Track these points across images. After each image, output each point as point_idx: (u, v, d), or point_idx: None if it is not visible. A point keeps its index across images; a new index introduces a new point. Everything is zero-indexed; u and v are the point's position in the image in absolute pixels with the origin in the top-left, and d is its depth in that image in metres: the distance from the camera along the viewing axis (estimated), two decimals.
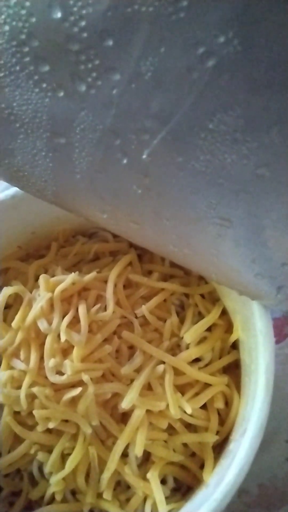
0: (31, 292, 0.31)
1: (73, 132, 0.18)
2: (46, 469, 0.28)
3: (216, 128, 0.16)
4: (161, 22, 0.14)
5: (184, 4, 0.14)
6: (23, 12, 0.16)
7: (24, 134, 0.19)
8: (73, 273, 0.30)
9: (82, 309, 0.29)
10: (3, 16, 0.16)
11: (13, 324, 0.29)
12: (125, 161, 0.18)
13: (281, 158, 0.16)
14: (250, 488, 0.37)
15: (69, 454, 0.28)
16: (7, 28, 0.16)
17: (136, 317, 0.30)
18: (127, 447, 0.27)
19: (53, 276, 0.31)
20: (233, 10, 0.13)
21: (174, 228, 0.20)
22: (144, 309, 0.30)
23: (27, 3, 0.16)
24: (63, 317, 0.28)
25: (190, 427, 0.29)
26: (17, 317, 0.29)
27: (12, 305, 0.31)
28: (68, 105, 0.17)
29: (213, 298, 0.33)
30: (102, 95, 0.16)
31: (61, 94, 0.17)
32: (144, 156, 0.17)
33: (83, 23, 0.15)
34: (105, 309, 0.30)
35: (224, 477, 0.22)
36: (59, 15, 0.15)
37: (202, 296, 0.32)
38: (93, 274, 0.30)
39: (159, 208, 0.19)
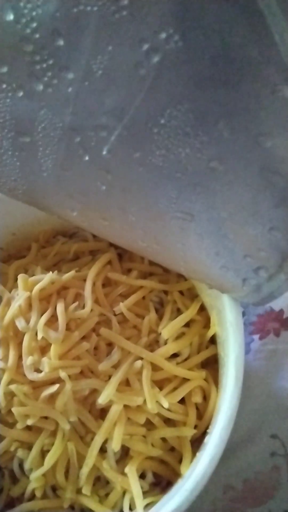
0: (10, 292, 0.31)
1: (36, 131, 0.19)
2: (26, 465, 0.28)
3: (168, 123, 0.16)
4: (106, 21, 0.15)
5: (125, 2, 0.14)
6: None
7: None
8: (51, 272, 0.30)
9: (60, 307, 0.29)
10: None
11: None
12: (86, 158, 0.19)
13: (231, 150, 0.16)
14: (235, 484, 0.37)
15: (48, 451, 0.28)
16: None
17: (115, 315, 0.31)
18: (105, 442, 0.27)
19: (33, 275, 0.31)
20: (171, 6, 0.14)
21: (140, 223, 0.21)
22: (122, 306, 0.30)
23: None
24: (42, 315, 0.29)
25: (169, 422, 0.29)
26: None
27: None
28: (28, 105, 0.18)
29: (192, 295, 0.33)
30: (58, 94, 0.17)
31: (21, 94, 0.18)
32: (104, 153, 0.18)
33: (34, 24, 0.16)
34: (83, 307, 0.30)
35: (195, 468, 0.22)
36: (11, 17, 0.16)
37: (181, 292, 0.33)
38: (71, 273, 0.31)
39: (123, 203, 0.20)
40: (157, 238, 0.21)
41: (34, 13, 0.15)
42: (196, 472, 0.22)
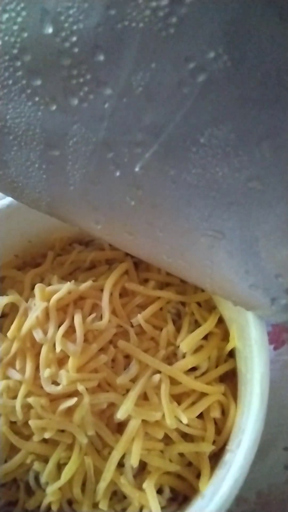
0: (27, 301, 0.31)
1: (67, 145, 0.18)
2: (42, 479, 0.28)
3: (208, 142, 0.16)
4: (151, 38, 0.14)
5: (173, 20, 0.14)
6: (15, 27, 0.16)
7: (18, 146, 0.19)
8: (68, 282, 0.30)
9: (77, 319, 0.29)
10: None
11: (9, 334, 0.29)
12: (118, 173, 0.18)
13: (272, 171, 0.16)
14: (248, 496, 0.37)
15: (65, 464, 0.27)
16: None
17: (132, 326, 0.30)
18: (123, 457, 0.27)
19: (49, 284, 0.31)
20: (222, 26, 0.13)
21: (167, 239, 0.20)
22: (140, 318, 0.30)
23: (19, 19, 0.16)
24: (59, 326, 0.28)
25: (187, 437, 0.29)
26: (13, 327, 0.29)
27: (8, 314, 0.31)
28: (61, 119, 0.17)
29: (210, 306, 0.33)
30: (94, 109, 0.17)
31: (54, 107, 0.17)
32: (136, 169, 0.17)
33: (74, 38, 0.15)
34: (100, 318, 0.30)
35: (219, 489, 0.22)
36: (50, 30, 0.15)
37: (199, 304, 0.32)
38: (89, 283, 0.30)
39: (152, 219, 0.19)
40: (184, 254, 0.21)
41: (74, 27, 0.15)
42: (220, 493, 0.21)
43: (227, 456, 0.25)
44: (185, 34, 0.14)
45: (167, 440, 0.28)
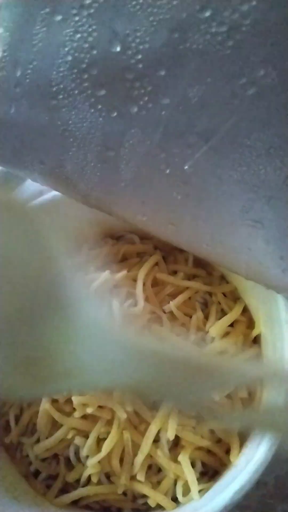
0: None
1: (123, 147, 0.21)
2: (83, 453, 0.30)
3: (253, 144, 0.18)
4: (208, 57, 0.17)
5: (230, 43, 0.16)
6: (86, 45, 0.18)
7: (76, 148, 0.22)
8: (106, 271, 0.32)
9: (115, 304, 0.31)
10: (66, 48, 0.19)
11: None
12: (167, 171, 0.21)
13: None
14: (267, 480, 0.39)
15: (103, 439, 0.30)
16: (69, 58, 0.19)
17: (164, 313, 0.33)
18: (158, 432, 0.29)
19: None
20: (271, 49, 0.16)
21: (209, 229, 0.23)
22: (172, 305, 0.32)
23: (90, 38, 0.18)
24: None
25: None
26: None
27: None
28: (120, 124, 0.20)
29: (234, 297, 0.35)
30: (152, 116, 0.19)
31: (115, 114, 0.20)
32: (186, 167, 0.20)
33: (139, 56, 0.18)
34: (135, 305, 0.32)
35: (253, 456, 0.24)
36: (118, 49, 0.18)
37: (224, 294, 0.35)
38: (123, 272, 0.33)
39: (196, 211, 0.22)
40: (224, 242, 0.23)
41: (140, 47, 0.17)
42: (255, 458, 0.24)
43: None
44: (239, 55, 0.16)
45: (198, 417, 0.30)
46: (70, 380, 0.16)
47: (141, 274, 0.33)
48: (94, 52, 0.18)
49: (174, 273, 0.35)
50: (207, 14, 0.16)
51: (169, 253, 0.37)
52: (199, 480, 0.30)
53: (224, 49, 0.16)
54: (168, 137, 0.19)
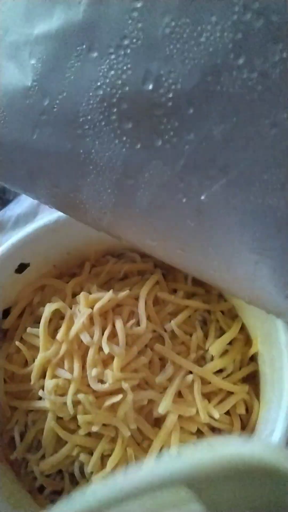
0: (70, 308, 0.34)
1: (142, 176, 0.22)
2: (88, 469, 0.31)
3: (270, 178, 0.19)
4: (237, 99, 0.18)
5: (259, 88, 0.18)
6: (119, 82, 0.19)
7: (95, 175, 0.23)
8: (110, 291, 0.33)
9: (119, 324, 0.32)
10: (99, 83, 0.20)
11: (58, 337, 0.32)
12: (184, 200, 0.22)
13: None
14: None
15: (108, 456, 0.30)
16: (100, 92, 0.20)
17: (165, 331, 0.34)
18: (160, 449, 0.30)
19: (89, 293, 0.34)
20: None
21: (217, 255, 0.24)
22: (173, 324, 0.33)
23: (124, 76, 0.19)
24: (102, 331, 0.32)
25: (215, 431, 0.32)
26: (61, 331, 0.32)
27: (51, 319, 0.34)
28: (142, 155, 0.21)
29: (232, 314, 0.36)
30: (175, 149, 0.20)
31: (138, 146, 0.21)
32: (202, 198, 0.21)
33: (170, 95, 0.19)
34: (137, 324, 0.33)
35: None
36: (150, 87, 0.19)
37: (222, 312, 0.36)
38: (126, 292, 0.34)
39: (207, 239, 0.23)
40: (230, 268, 0.24)
41: (173, 87, 0.19)
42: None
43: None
44: (266, 99, 0.18)
45: (198, 434, 0.31)
46: None
47: (143, 293, 0.34)
48: (126, 88, 0.19)
49: (174, 291, 0.37)
50: (241, 61, 0.17)
51: (169, 271, 0.38)
52: None
53: (253, 93, 0.18)
54: (188, 169, 0.20)
